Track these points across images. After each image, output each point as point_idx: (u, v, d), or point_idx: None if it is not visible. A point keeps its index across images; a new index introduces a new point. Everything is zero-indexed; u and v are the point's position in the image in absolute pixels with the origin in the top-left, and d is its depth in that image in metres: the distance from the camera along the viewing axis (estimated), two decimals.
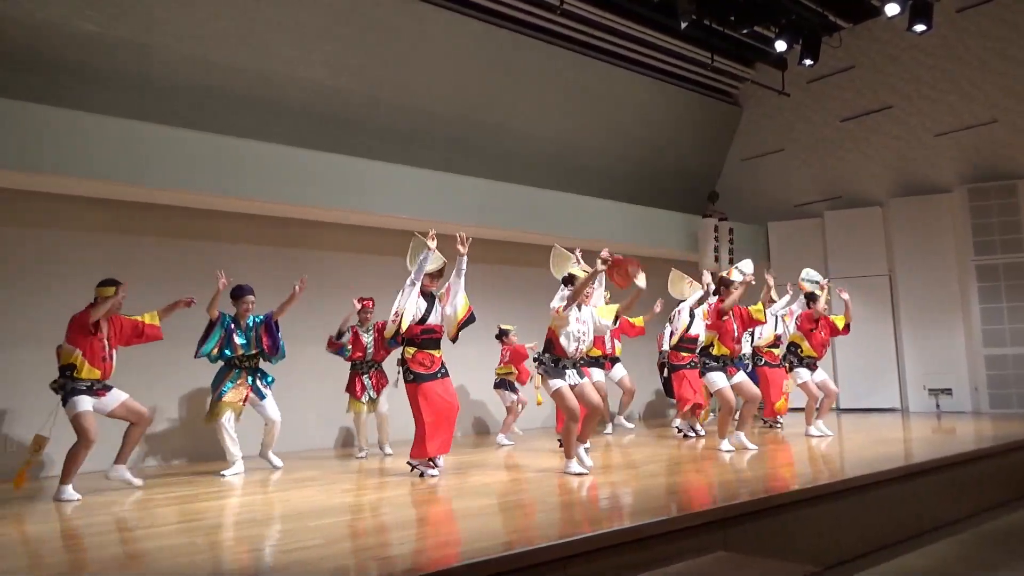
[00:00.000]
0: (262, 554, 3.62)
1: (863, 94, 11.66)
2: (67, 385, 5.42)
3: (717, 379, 7.01)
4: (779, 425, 9.01)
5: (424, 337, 5.85)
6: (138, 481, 5.79)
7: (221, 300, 6.42)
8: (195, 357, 6.40)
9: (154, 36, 7.59)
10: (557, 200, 9.97)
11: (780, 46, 10.26)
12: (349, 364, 7.49)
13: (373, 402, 7.43)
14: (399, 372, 5.91)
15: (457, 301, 5.90)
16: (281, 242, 8.31)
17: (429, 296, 5.91)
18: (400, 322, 5.79)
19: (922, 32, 9.73)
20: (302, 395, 8.02)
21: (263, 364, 6.71)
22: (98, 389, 5.52)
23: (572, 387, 5.74)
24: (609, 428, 9.25)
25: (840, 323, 8.13)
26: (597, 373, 8.25)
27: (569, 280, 5.92)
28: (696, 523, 3.99)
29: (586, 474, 5.68)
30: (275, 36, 8.29)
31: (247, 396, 6.51)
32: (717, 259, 11.18)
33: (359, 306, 7.40)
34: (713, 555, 3.71)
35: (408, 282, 5.80)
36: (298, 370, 7.77)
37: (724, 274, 7.28)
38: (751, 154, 12.97)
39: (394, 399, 7.15)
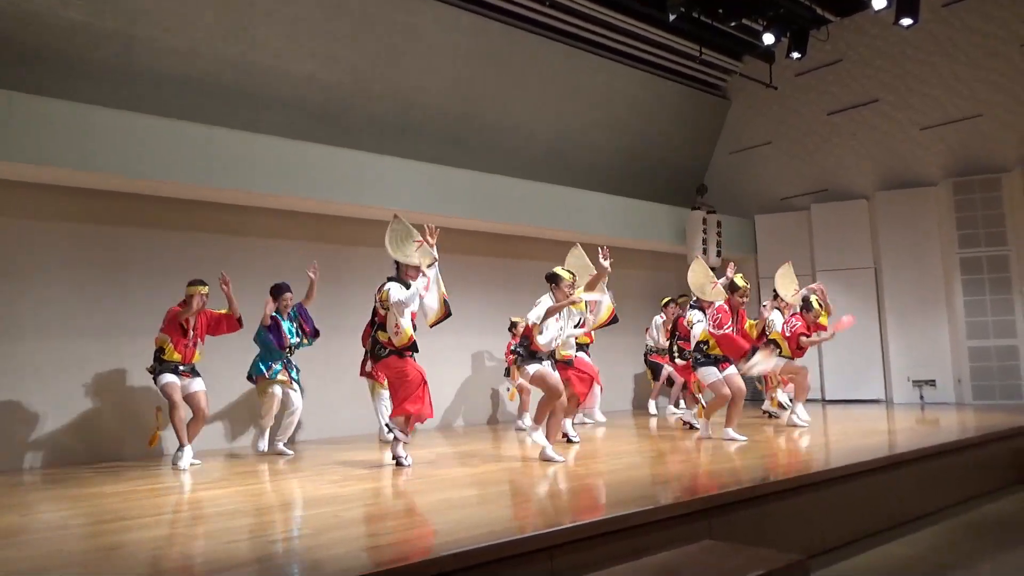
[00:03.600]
0: (248, 545, 3.62)
1: (850, 88, 11.71)
2: (156, 367, 6.44)
3: (709, 373, 7.14)
4: (779, 416, 8.88)
5: None
6: (194, 462, 6.37)
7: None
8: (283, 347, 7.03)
9: (140, 27, 7.51)
10: (546, 192, 9.98)
11: (768, 39, 10.28)
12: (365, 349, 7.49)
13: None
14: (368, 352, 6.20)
15: (434, 297, 5.87)
16: (266, 233, 8.25)
17: (408, 286, 5.93)
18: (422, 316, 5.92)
19: (908, 26, 9.78)
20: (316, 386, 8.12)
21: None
22: (183, 371, 6.47)
23: None
24: (580, 418, 8.81)
25: (824, 320, 8.14)
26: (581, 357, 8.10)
27: (551, 278, 6.10)
28: (682, 512, 4.02)
29: (562, 461, 5.86)
30: (263, 28, 8.22)
31: (289, 380, 7.10)
32: (705, 251, 11.21)
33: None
34: (699, 544, 3.73)
35: (432, 275, 5.78)
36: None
37: (734, 279, 7.18)
38: (739, 147, 13.01)
39: None
